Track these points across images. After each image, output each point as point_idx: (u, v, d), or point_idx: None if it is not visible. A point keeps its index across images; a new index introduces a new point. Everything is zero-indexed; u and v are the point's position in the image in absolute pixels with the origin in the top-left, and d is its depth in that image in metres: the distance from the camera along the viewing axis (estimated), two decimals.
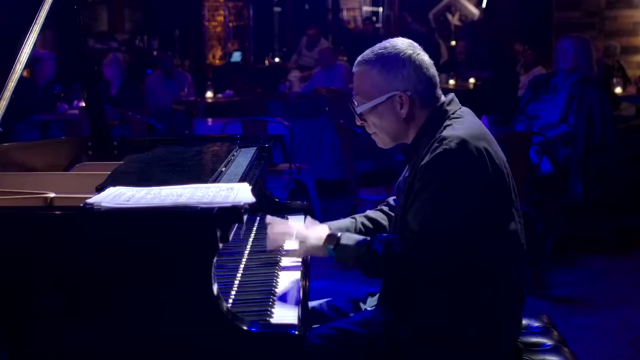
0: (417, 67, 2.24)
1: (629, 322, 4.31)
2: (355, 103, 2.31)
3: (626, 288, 4.92)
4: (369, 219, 2.57)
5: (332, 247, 2.28)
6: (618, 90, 8.12)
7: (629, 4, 9.83)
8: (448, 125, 2.20)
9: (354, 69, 2.31)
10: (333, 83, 9.19)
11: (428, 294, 2.19)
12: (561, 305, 4.60)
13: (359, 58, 2.30)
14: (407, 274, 2.18)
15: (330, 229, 2.43)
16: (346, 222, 2.54)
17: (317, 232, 2.37)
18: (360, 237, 2.29)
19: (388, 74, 2.24)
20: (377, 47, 2.28)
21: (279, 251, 2.47)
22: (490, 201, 2.15)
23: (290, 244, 2.45)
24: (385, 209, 2.61)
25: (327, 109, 8.20)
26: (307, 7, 15.34)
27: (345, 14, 16.00)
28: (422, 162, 2.15)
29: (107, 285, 1.82)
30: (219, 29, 14.44)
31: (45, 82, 7.71)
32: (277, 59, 13.82)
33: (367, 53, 2.29)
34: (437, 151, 2.12)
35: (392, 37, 2.34)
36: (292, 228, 2.44)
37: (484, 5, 13.76)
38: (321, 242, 2.31)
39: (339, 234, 2.30)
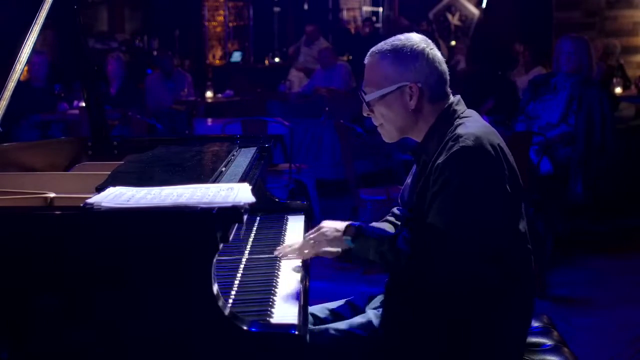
0: (430, 60, 2.23)
1: (629, 322, 4.32)
2: (365, 92, 2.29)
3: (626, 288, 4.92)
4: None
5: (350, 238, 2.21)
6: (618, 90, 8.11)
7: (629, 4, 9.82)
8: (460, 124, 2.19)
9: (367, 60, 2.29)
10: (333, 83, 9.19)
11: (440, 295, 2.14)
12: (561, 305, 4.60)
13: (373, 49, 2.29)
14: (431, 275, 2.12)
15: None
16: None
17: (334, 224, 2.30)
18: (382, 231, 2.23)
19: (400, 65, 2.22)
20: (391, 40, 2.27)
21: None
22: (508, 198, 2.12)
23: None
24: (392, 219, 2.56)
25: (327, 109, 8.20)
26: (306, 7, 15.33)
27: (345, 14, 16.00)
28: (439, 161, 2.12)
29: (107, 285, 1.81)
30: (219, 29, 14.45)
31: (39, 83, 7.72)
32: (277, 59, 13.82)
33: (381, 44, 2.28)
34: (454, 149, 2.10)
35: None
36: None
37: (484, 5, 13.76)
38: (339, 233, 2.24)
39: (358, 224, 2.24)
